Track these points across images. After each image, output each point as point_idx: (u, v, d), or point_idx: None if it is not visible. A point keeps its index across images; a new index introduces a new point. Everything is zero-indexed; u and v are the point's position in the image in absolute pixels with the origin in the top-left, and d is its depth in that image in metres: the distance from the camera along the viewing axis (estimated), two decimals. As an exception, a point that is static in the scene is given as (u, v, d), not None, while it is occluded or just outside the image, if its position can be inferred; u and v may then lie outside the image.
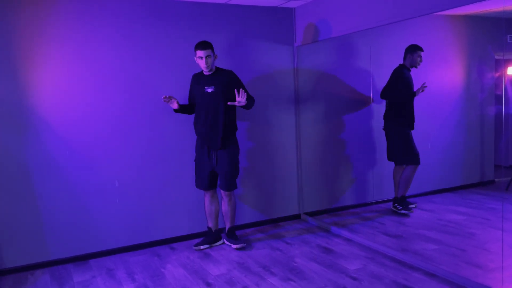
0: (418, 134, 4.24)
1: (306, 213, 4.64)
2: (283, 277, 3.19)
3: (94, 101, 3.69)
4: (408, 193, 4.77)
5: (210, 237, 3.89)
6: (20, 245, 3.52)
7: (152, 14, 3.85)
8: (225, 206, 3.86)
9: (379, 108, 4.38)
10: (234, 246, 3.80)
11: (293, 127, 4.56)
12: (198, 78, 3.70)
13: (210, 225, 3.91)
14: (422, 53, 4.07)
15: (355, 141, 4.83)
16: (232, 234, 3.88)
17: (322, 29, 4.13)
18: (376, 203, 4.65)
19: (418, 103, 4.18)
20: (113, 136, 3.77)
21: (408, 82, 4.14)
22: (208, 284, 3.14)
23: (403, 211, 4.28)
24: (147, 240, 3.94)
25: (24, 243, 3.53)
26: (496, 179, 4.87)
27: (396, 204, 4.32)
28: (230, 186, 3.75)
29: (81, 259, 3.71)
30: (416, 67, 4.11)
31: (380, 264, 3.34)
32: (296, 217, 4.66)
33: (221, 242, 3.94)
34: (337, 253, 3.62)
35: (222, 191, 3.79)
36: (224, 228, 4.03)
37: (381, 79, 4.32)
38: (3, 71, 3.39)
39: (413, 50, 4.09)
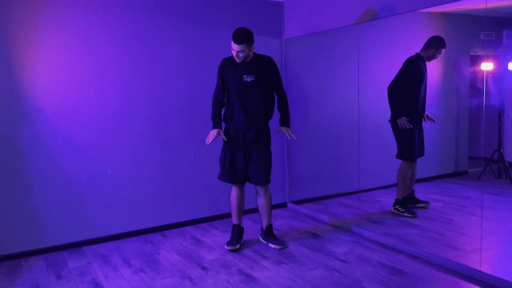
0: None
1: (292, 202, 4.80)
2: (275, 261, 3.33)
3: (89, 90, 3.72)
4: (387, 183, 4.98)
5: (240, 234, 3.67)
6: (13, 233, 3.53)
7: (143, 4, 3.89)
8: (262, 201, 3.61)
9: (365, 100, 4.54)
10: (274, 246, 3.58)
11: (280, 118, 4.69)
12: (233, 64, 3.38)
13: (237, 222, 3.65)
14: (443, 50, 4.08)
15: (340, 132, 5.01)
16: (271, 233, 3.66)
17: (310, 23, 4.27)
18: (359, 191, 4.84)
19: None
20: (106, 125, 3.81)
21: (418, 74, 4.07)
22: (203, 268, 3.25)
23: (406, 214, 4.14)
24: (140, 227, 4.01)
25: (17, 230, 3.55)
26: (469, 170, 5.16)
27: (397, 206, 4.24)
28: (268, 178, 3.56)
29: (75, 246, 3.75)
30: (429, 61, 4.09)
31: (366, 248, 3.53)
32: (283, 205, 4.82)
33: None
34: (325, 238, 3.79)
35: (258, 186, 3.58)
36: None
37: (368, 73, 4.49)
38: (-4, 58, 3.38)
39: (438, 45, 4.03)
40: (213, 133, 3.44)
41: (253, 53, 3.41)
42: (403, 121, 4.10)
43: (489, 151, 4.73)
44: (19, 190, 3.53)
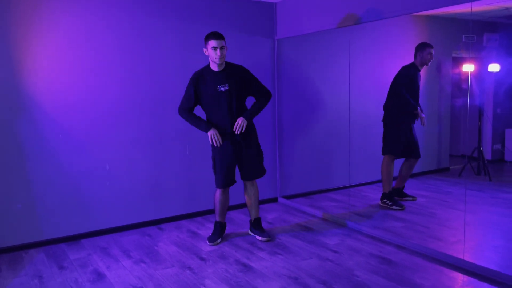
0: (382, 128, 4.56)
1: (283, 197, 4.96)
2: (270, 252, 3.48)
3: (89, 86, 3.80)
4: (372, 179, 5.18)
5: (223, 230, 3.79)
6: (12, 225, 3.60)
7: (140, 2, 3.99)
8: (249, 192, 3.75)
9: (354, 99, 4.71)
10: (260, 238, 3.73)
11: (272, 116, 4.83)
12: (205, 77, 3.47)
13: (220, 219, 3.78)
14: (432, 50, 4.22)
15: (330, 130, 5.18)
16: (259, 225, 3.80)
17: (301, 24, 4.42)
18: (347, 187, 5.04)
19: (383, 98, 4.52)
20: (105, 121, 3.90)
21: (412, 82, 4.26)
22: (202, 258, 3.38)
23: (394, 207, 4.35)
24: (136, 221, 4.11)
25: (17, 223, 3.61)
26: (450, 167, 5.40)
27: (385, 200, 4.44)
28: (259, 172, 3.68)
29: (73, 239, 3.83)
30: (427, 64, 4.26)
31: (356, 240, 3.70)
32: (274, 200, 4.97)
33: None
34: (316, 231, 3.96)
35: (247, 181, 3.71)
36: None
37: (357, 72, 4.65)
38: (-3, 54, 3.44)
39: (422, 48, 4.20)
40: (213, 133, 3.47)
41: (225, 62, 3.50)
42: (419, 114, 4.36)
43: (469, 149, 4.98)
44: (18, 183, 3.59)
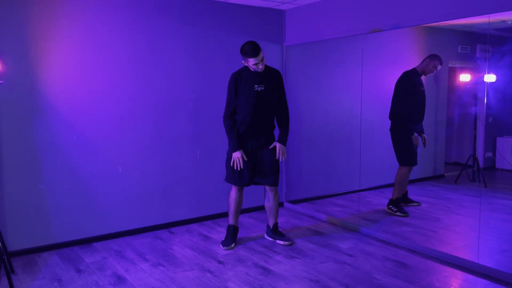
0: (383, 135, 4.67)
1: (289, 201, 5.01)
2: (287, 255, 3.52)
3: (102, 89, 3.79)
4: (374, 184, 5.28)
5: (235, 234, 3.79)
6: (25, 228, 3.54)
7: (153, 7, 4.00)
8: (270, 202, 3.79)
9: (358, 106, 4.81)
10: (282, 243, 3.77)
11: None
12: (244, 77, 3.54)
13: (233, 222, 3.78)
14: (439, 65, 4.33)
15: (334, 136, 5.27)
16: (277, 230, 3.86)
17: (310, 31, 4.50)
18: (349, 192, 5.13)
19: (384, 106, 4.62)
20: (117, 124, 3.88)
21: (414, 89, 4.37)
22: (220, 262, 3.39)
23: (399, 213, 4.45)
24: (147, 224, 4.09)
25: (29, 226, 3.56)
26: (445, 174, 5.56)
27: (391, 206, 4.53)
28: (277, 180, 3.74)
29: (85, 242, 3.79)
30: (425, 74, 4.37)
31: (368, 244, 3.78)
32: (280, 204, 5.01)
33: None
34: (327, 235, 4.02)
35: (268, 187, 3.75)
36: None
37: (371, 79, 4.74)
38: (14, 53, 3.39)
39: (432, 58, 4.32)
40: (238, 155, 3.56)
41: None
42: (416, 138, 4.46)
43: (462, 157, 5.13)
44: (32, 186, 3.54)
